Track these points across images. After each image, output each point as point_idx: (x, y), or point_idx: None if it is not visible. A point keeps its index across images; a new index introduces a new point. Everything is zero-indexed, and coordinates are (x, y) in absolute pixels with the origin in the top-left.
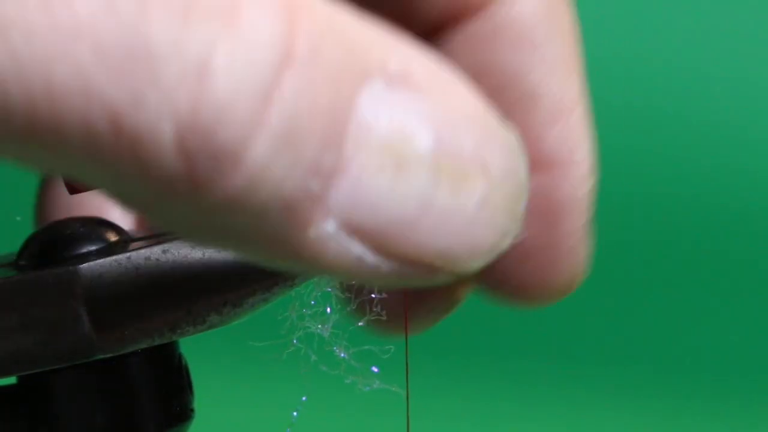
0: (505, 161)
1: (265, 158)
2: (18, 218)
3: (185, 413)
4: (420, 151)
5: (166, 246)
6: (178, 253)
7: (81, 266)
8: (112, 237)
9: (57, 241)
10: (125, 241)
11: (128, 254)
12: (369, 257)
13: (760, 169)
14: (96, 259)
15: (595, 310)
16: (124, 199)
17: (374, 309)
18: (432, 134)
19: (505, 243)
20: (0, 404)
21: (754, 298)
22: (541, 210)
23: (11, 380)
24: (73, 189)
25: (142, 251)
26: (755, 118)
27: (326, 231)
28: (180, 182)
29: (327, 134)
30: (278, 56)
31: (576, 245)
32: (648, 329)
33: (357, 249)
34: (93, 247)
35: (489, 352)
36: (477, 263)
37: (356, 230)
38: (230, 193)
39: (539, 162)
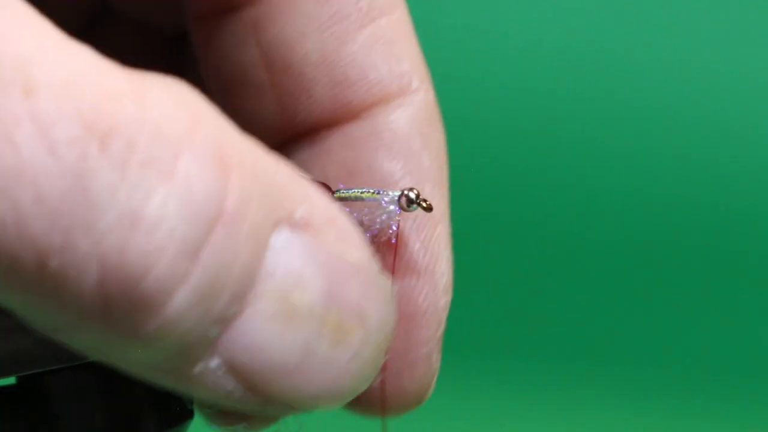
0: (381, 312)
1: (179, 312)
2: None
3: (185, 413)
4: (311, 303)
5: None
6: None
7: None
8: None
9: None
10: None
11: None
12: (239, 392)
13: (760, 169)
14: None
15: (595, 310)
16: (29, 319)
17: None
18: (324, 285)
19: (364, 387)
20: (0, 404)
21: (754, 298)
22: (399, 315)
23: (11, 380)
24: None
25: None
26: (756, 118)
27: (208, 367)
28: (92, 320)
29: (239, 287)
30: (211, 212)
31: (429, 354)
32: (648, 329)
33: (230, 385)
34: None
35: (489, 352)
36: (336, 405)
37: (235, 370)
38: (136, 335)
39: (401, 268)
